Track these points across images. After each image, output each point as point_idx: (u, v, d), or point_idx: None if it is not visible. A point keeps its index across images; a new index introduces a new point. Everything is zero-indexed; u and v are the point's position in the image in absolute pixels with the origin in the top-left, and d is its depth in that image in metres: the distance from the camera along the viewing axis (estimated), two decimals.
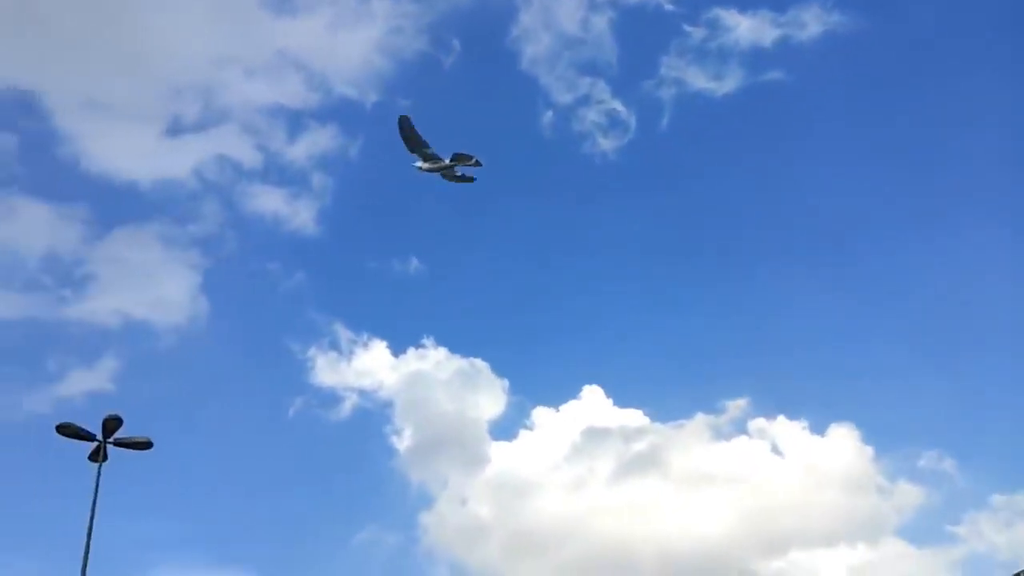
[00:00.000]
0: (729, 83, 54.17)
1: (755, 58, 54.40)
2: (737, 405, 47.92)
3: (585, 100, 54.28)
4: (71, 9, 53.85)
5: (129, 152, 53.71)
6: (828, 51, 55.82)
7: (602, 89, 54.23)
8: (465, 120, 58.43)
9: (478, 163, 26.11)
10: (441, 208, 56.27)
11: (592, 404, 48.71)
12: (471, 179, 26.60)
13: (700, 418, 48.24)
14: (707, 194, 58.45)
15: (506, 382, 50.63)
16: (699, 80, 54.43)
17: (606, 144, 54.47)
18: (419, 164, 25.60)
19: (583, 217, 58.24)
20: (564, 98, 54.86)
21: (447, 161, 25.51)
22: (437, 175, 26.19)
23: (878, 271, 55.17)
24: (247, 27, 55.92)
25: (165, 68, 54.52)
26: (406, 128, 25.34)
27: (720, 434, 47.68)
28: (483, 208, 56.75)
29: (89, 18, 54.35)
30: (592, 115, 54.11)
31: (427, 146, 25.33)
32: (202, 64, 55.61)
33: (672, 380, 53.15)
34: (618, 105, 53.92)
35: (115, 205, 56.02)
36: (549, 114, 55.39)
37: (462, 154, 25.77)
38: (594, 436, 48.06)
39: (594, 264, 56.95)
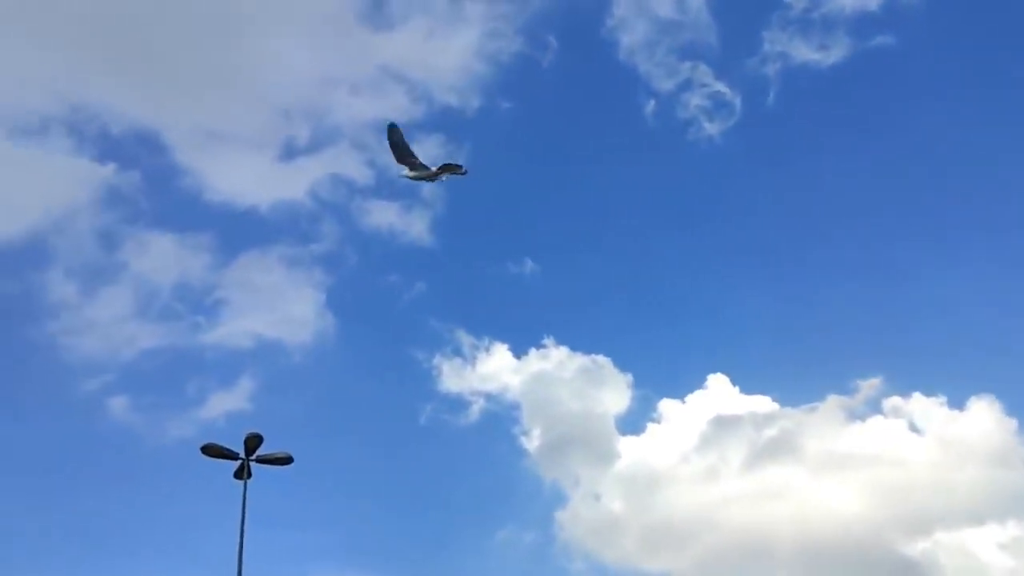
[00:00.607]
0: (836, 52, 52.26)
1: (862, 24, 52.30)
2: (870, 384, 46.22)
3: (687, 85, 53.31)
4: (180, 44, 55.98)
5: (247, 179, 55.67)
6: (938, 11, 53.48)
7: (704, 72, 53.16)
8: (567, 116, 58.35)
9: (464, 172, 26.01)
10: (552, 207, 56.28)
11: (719, 393, 47.79)
12: (462, 171, 26.15)
13: (832, 400, 46.68)
14: (822, 169, 56.60)
15: (629, 376, 50.33)
16: (804, 52, 52.72)
17: (712, 128, 53.39)
18: (405, 173, 25.50)
19: (694, 205, 57.35)
20: (665, 85, 54.01)
21: (433, 170, 25.42)
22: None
23: (1011, 237, 52.55)
24: (348, 45, 57.19)
25: (274, 93, 56.27)
26: (395, 137, 25.26)
27: (854, 415, 46.07)
28: (593, 204, 56.56)
29: (198, 51, 56.47)
30: (696, 100, 53.05)
31: (414, 156, 25.26)
32: (309, 86, 57.16)
33: (800, 363, 51.73)
34: (722, 87, 52.70)
35: (238, 231, 58.10)
36: (651, 103, 54.55)
37: (449, 164, 25.84)
38: (723, 425, 47.19)
39: (710, 251, 55.98)
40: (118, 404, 53.09)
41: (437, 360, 52.19)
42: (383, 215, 56.13)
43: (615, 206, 56.65)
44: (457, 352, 52.34)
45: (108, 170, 55.89)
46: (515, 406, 51.25)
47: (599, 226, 58.27)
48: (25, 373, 54.79)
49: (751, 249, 55.21)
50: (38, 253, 55.19)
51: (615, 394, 50.26)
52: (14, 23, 54.38)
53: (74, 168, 54.63)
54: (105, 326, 54.40)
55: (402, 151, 25.15)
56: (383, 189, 56.28)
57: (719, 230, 56.61)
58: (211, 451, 20.24)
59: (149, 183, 57.84)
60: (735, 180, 56.89)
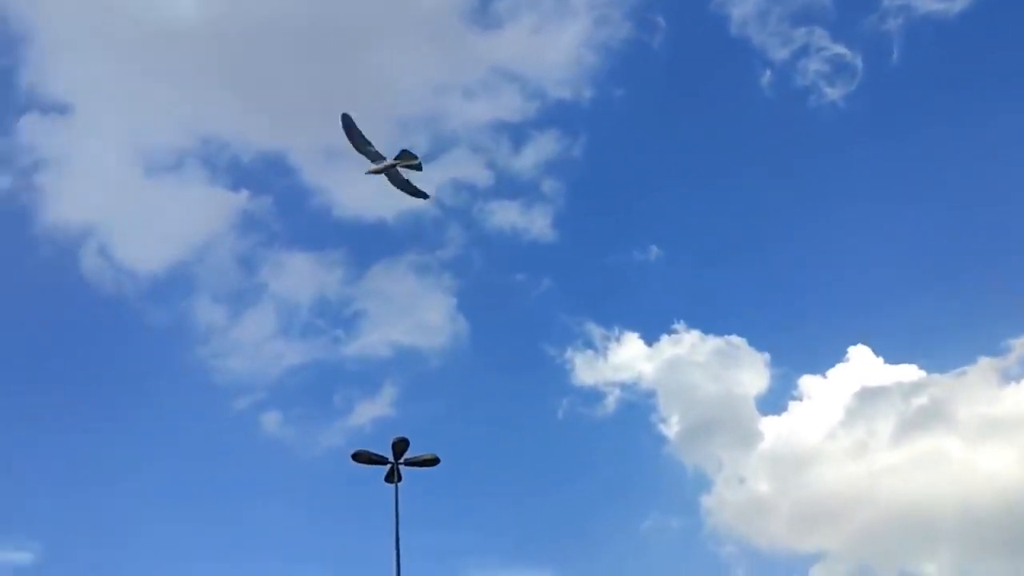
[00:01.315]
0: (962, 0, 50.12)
1: None
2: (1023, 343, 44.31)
3: (804, 51, 51.77)
4: (296, 67, 57.83)
5: (371, 192, 56.91)
6: None
7: (821, 36, 51.55)
8: (682, 97, 57.66)
9: (419, 166, 25.78)
10: (672, 191, 55.80)
11: (861, 364, 46.29)
12: (426, 196, 26.57)
13: (984, 362, 44.68)
14: (955, 128, 54.27)
15: (766, 355, 49.42)
16: (927, 2, 50.66)
17: (833, 93, 51.75)
18: (370, 169, 25.52)
19: (820, 174, 55.75)
20: (781, 54, 52.63)
21: (391, 161, 25.26)
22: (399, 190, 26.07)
23: None
24: (459, 49, 58.00)
25: (391, 105, 57.51)
26: (348, 126, 25.39)
27: (1008, 376, 43.96)
28: (713, 182, 55.76)
29: (314, 71, 58.19)
30: (814, 65, 51.50)
31: (369, 144, 25.28)
32: (424, 94, 58.19)
33: (945, 327, 49.63)
34: (840, 49, 50.97)
35: (368, 244, 59.75)
36: (768, 73, 53.43)
37: (406, 151, 25.73)
38: (869, 397, 45.77)
39: (841, 221, 54.37)
40: (270, 420, 55.40)
41: (569, 354, 52.46)
42: (505, 215, 56.77)
43: (737, 184, 55.72)
44: (588, 344, 52.48)
45: (242, 197, 58.37)
46: (651, 394, 51.05)
47: (722, 206, 57.41)
48: (182, 396, 57.80)
49: (883, 215, 53.52)
50: (184, 282, 58.11)
51: (753, 374, 49.48)
52: (143, 65, 57.39)
53: (210, 198, 57.28)
54: (252, 346, 56.85)
55: (356, 140, 25.25)
56: (503, 189, 56.93)
57: (849, 199, 54.98)
58: (361, 458, 20.98)
59: (280, 205, 60.12)
60: (862, 146, 55.08)
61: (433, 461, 21.09)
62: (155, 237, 55.95)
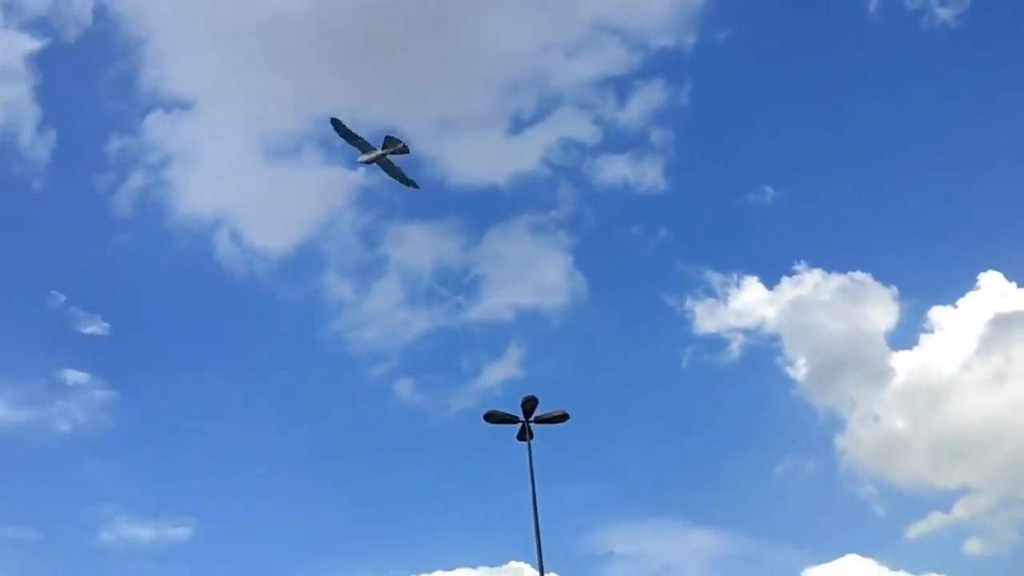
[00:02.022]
0: None
1: None
2: None
3: None
4: (403, 41, 58.85)
5: (483, 158, 58.03)
6: None
7: None
8: (786, 33, 56.42)
9: (405, 149, 27.15)
10: (782, 130, 54.79)
11: (993, 291, 44.91)
12: (417, 186, 28.10)
13: None
14: None
15: (893, 289, 48.31)
16: None
17: (945, 14, 49.94)
18: (361, 158, 26.98)
19: (935, 98, 53.91)
20: None
21: (379, 149, 26.71)
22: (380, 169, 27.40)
23: None
24: (560, 8, 58.08)
25: (497, 69, 58.14)
26: (337, 128, 26.65)
27: None
28: (825, 116, 54.52)
29: (420, 44, 59.13)
30: None
31: (358, 137, 26.65)
32: (528, 56, 58.51)
33: None
34: None
35: (483, 210, 60.76)
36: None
37: (391, 138, 26.96)
38: (1004, 325, 44.35)
39: (960, 144, 52.49)
40: (403, 387, 57.32)
41: (689, 303, 52.43)
42: (615, 169, 56.81)
43: (850, 115, 54.36)
44: (708, 292, 52.29)
45: (359, 174, 59.98)
46: (775, 337, 50.60)
47: (836, 139, 56.12)
48: (319, 370, 60.28)
49: (1006, 134, 51.33)
50: (312, 260, 60.40)
51: (880, 309, 48.49)
52: (256, 55, 59.35)
53: (329, 177, 59.12)
54: (381, 317, 58.80)
55: (348, 137, 26.87)
56: (612, 144, 56.94)
57: (968, 121, 52.97)
58: (493, 418, 21.64)
59: None
60: (978, 65, 52.91)
61: (562, 417, 21.56)
62: (281, 219, 58.29)
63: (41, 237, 60.78)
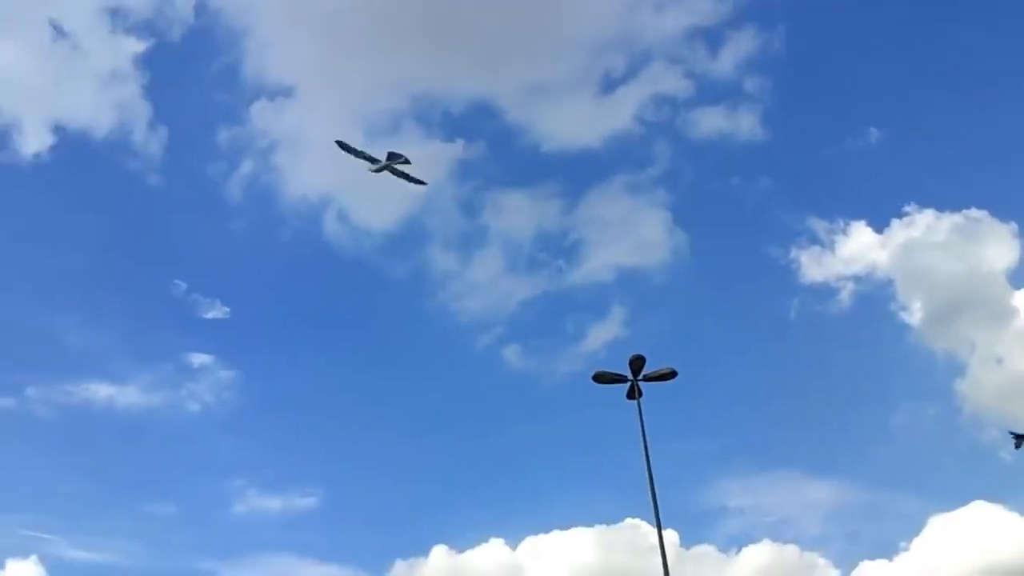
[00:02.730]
0: None
1: None
2: None
3: None
4: (489, 12, 59.23)
5: (576, 121, 58.25)
6: None
7: None
8: None
9: (407, 161, 29.39)
10: (882, 69, 53.33)
11: None
12: (423, 183, 30.21)
13: None
14: None
15: (1012, 225, 46.76)
16: None
17: None
18: (371, 168, 29.26)
19: None
20: None
21: (385, 161, 29.04)
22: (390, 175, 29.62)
23: None
24: None
25: (584, 31, 58.14)
26: (344, 148, 28.91)
27: None
28: (928, 50, 52.98)
29: (506, 13, 59.42)
30: None
31: (364, 152, 28.76)
32: (615, 14, 58.37)
33: None
34: None
35: (579, 173, 61.12)
36: None
37: (393, 153, 29.03)
38: None
39: None
40: (511, 352, 58.44)
41: (794, 253, 51.80)
42: (710, 122, 56.29)
43: (954, 48, 52.52)
44: (814, 240, 51.51)
45: (457, 146, 61.25)
46: (887, 283, 49.58)
47: (940, 73, 54.28)
48: (428, 340, 61.83)
49: None
50: (415, 234, 61.92)
51: (999, 247, 47.06)
52: (350, 38, 60.65)
53: (428, 152, 60.30)
54: (485, 286, 60.00)
55: (356, 154, 28.88)
56: (705, 96, 56.42)
57: None
58: (602, 378, 21.98)
59: (493, 148, 62.64)
60: None
61: (671, 375, 21.73)
62: (384, 197, 59.64)
63: (160, 229, 63.88)
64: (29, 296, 64.71)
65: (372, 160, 29.01)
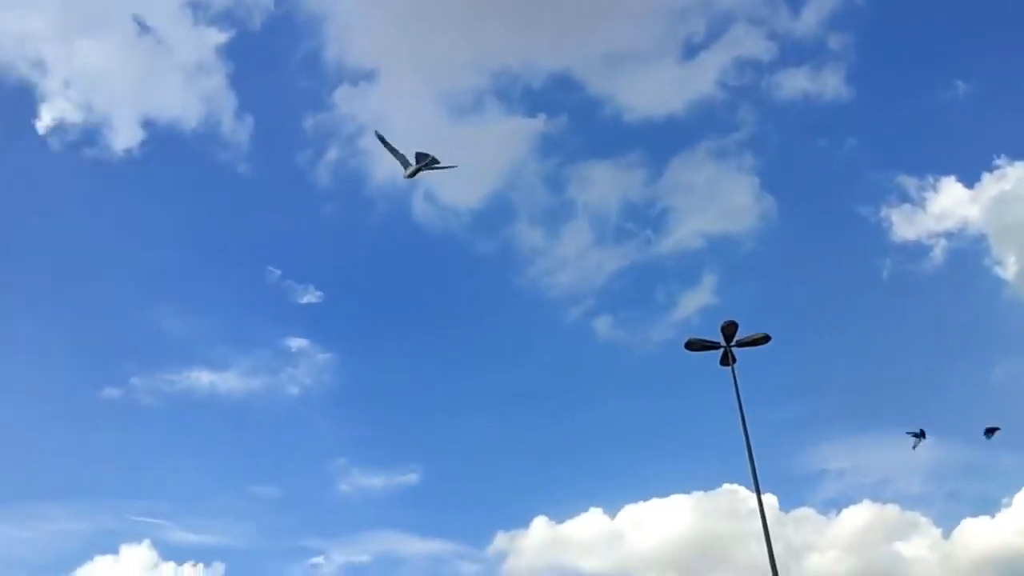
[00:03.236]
0: None
1: None
2: None
3: None
4: None
5: (658, 89, 57.83)
6: None
7: None
8: None
9: (435, 160, 29.20)
10: (968, 20, 51.72)
11: None
12: (429, 159, 29.49)
13: None
14: None
15: None
16: None
17: None
18: (406, 174, 29.20)
19: None
20: None
21: (414, 163, 28.93)
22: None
23: None
24: None
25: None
26: (383, 141, 29.08)
27: None
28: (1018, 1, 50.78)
29: None
30: None
31: (399, 152, 28.82)
32: None
33: None
34: None
35: (662, 141, 60.67)
36: None
37: (421, 153, 28.94)
38: None
39: None
40: (602, 324, 58.63)
41: (884, 212, 50.70)
42: (794, 83, 55.26)
43: None
44: (904, 198, 50.33)
45: (539, 121, 61.42)
46: (980, 238, 48.24)
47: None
48: (519, 316, 62.39)
49: None
50: (502, 211, 62.41)
51: None
52: (427, 18, 61.21)
53: (511, 128, 60.79)
54: (573, 259, 60.23)
55: (389, 149, 29.11)
56: (788, 57, 55.40)
57: None
58: (694, 345, 21.99)
59: (575, 121, 62.56)
60: None
61: (764, 339, 21.65)
62: (470, 175, 60.35)
63: (251, 217, 65.73)
64: (129, 288, 67.20)
65: (405, 163, 29.42)
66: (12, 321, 61.40)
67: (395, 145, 28.76)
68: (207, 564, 49.19)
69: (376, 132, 29.82)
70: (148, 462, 57.39)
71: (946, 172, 49.84)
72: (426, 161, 29.43)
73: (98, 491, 55.50)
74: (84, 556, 54.42)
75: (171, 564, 48.40)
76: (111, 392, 57.70)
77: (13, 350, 60.50)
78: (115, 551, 49.95)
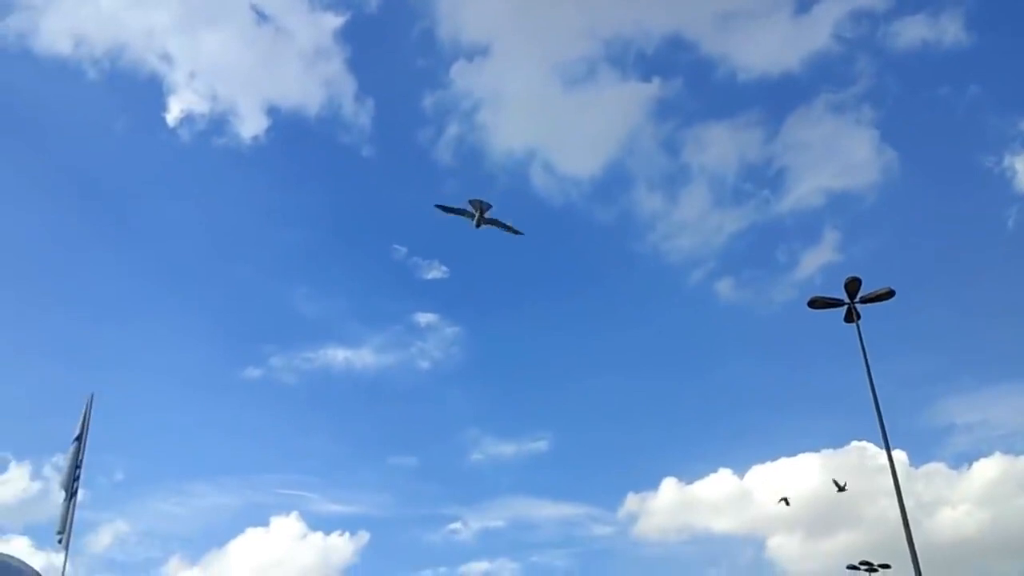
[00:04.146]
0: None
1: None
2: None
3: None
4: None
5: (771, 45, 56.77)
6: None
7: None
8: None
9: (488, 205, 29.04)
10: None
11: None
12: (520, 232, 30.01)
13: None
14: None
15: None
16: None
17: None
18: (472, 226, 29.19)
19: None
20: None
21: (474, 211, 29.00)
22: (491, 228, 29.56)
23: None
24: None
25: None
26: (444, 209, 29.00)
27: None
28: None
29: None
30: None
31: (460, 209, 29.00)
32: None
33: None
34: None
35: (778, 98, 59.53)
36: None
37: (473, 201, 29.05)
38: None
39: None
40: (724, 286, 58.39)
41: (1008, 160, 48.77)
42: (912, 32, 53.39)
43: None
44: None
45: (653, 86, 61.24)
46: None
47: None
48: (641, 281, 62.66)
49: None
50: (620, 178, 62.63)
51: None
52: None
53: (625, 94, 60.82)
54: (693, 223, 60.01)
55: (453, 212, 29.01)
56: (905, 5, 53.50)
57: None
58: (817, 303, 22.03)
59: (689, 83, 62.03)
60: None
61: (888, 295, 21.55)
62: (586, 143, 60.71)
63: (376, 197, 67.71)
64: (264, 272, 70.31)
65: (470, 216, 29.61)
66: (157, 309, 65.18)
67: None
68: (352, 533, 51.67)
69: (436, 204, 29.96)
70: (291, 437, 60.42)
71: None
72: (481, 208, 29.56)
73: (246, 467, 58.78)
74: (236, 529, 57.88)
75: (319, 534, 51.09)
76: (252, 372, 60.88)
77: (159, 336, 64.25)
78: (265, 523, 52.97)
